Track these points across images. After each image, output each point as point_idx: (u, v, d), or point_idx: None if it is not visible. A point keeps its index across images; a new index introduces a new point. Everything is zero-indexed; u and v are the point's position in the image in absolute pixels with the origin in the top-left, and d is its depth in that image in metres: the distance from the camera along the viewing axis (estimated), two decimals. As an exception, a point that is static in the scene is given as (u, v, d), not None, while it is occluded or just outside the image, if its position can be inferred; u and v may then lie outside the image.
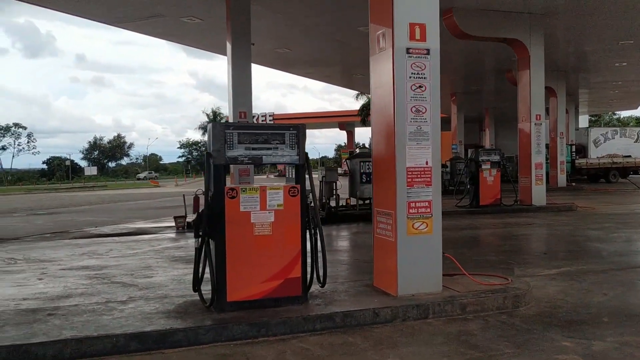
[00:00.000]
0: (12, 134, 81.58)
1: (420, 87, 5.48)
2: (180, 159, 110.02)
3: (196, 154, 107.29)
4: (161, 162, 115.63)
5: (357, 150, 15.58)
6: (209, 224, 4.98)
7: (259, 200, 5.05)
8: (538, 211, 15.14)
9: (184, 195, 13.74)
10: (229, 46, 13.52)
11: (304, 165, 5.21)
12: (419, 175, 5.45)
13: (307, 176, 5.19)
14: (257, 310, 4.94)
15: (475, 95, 31.94)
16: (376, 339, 4.66)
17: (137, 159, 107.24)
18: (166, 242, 10.94)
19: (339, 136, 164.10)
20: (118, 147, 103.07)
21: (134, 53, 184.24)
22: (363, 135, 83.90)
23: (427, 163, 5.48)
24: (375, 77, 5.84)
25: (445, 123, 37.53)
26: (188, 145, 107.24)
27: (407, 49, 5.45)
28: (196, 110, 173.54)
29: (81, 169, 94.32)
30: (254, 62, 22.79)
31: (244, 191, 5.02)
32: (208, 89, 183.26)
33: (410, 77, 5.44)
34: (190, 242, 10.87)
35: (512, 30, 15.37)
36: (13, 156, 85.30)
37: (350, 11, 15.03)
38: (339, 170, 58.81)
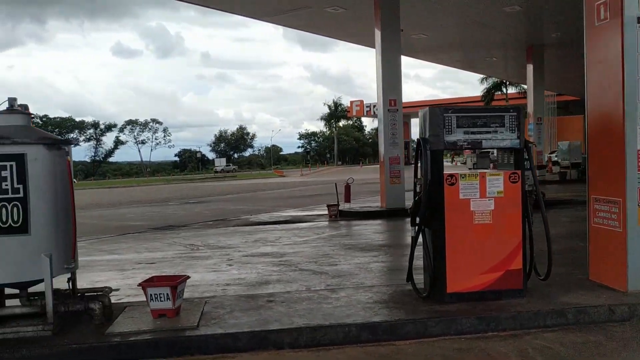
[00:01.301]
0: (150, 129, 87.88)
1: (654, 60, 4.90)
2: (299, 150, 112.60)
3: (315, 144, 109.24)
4: (281, 153, 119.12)
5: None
6: (428, 212, 4.80)
7: (478, 187, 4.79)
8: None
9: (335, 183, 13.87)
10: (377, 33, 13.35)
11: (523, 149, 4.87)
12: (652, 159, 4.90)
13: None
14: (478, 303, 4.70)
15: None
16: (621, 338, 4.24)
17: (259, 150, 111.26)
18: (328, 229, 11.05)
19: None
20: (241, 138, 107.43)
21: (253, 49, 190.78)
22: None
23: (662, 145, 4.91)
24: (595, 51, 5.33)
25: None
26: (307, 136, 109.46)
27: (639, 18, 4.90)
28: (311, 102, 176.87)
29: (209, 161, 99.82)
30: (368, 46, 22.78)
31: (463, 178, 4.79)
32: (322, 81, 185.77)
33: (643, 49, 4.89)
34: (355, 229, 10.92)
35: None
36: (151, 149, 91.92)
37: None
38: (461, 159, 56.18)
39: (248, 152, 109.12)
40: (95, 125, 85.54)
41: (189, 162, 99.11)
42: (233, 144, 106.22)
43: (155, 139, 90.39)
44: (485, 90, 44.70)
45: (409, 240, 9.40)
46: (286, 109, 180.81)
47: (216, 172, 74.16)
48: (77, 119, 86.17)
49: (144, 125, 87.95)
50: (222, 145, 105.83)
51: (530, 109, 22.56)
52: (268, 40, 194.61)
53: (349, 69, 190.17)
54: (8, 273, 4.18)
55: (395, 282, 5.87)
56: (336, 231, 10.79)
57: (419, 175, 5.11)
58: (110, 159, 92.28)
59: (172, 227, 12.39)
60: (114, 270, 7.32)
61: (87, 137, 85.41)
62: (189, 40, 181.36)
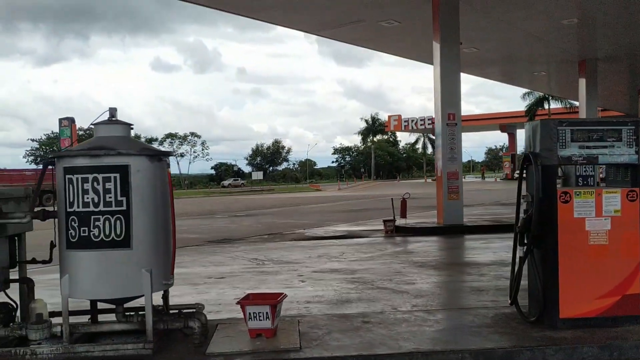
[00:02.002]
0: (189, 142, 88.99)
1: None
2: (332, 164, 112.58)
3: (349, 158, 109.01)
4: (315, 167, 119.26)
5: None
6: (540, 231, 4.51)
7: (594, 205, 4.49)
8: None
9: (392, 198, 13.59)
10: (436, 47, 13.12)
11: (640, 165, 4.56)
12: None
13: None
14: (596, 330, 4.38)
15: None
16: None
17: (293, 164, 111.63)
18: (389, 245, 10.78)
19: (484, 139, 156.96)
20: (277, 152, 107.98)
21: (288, 65, 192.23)
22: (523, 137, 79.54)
23: None
24: None
25: None
26: (341, 151, 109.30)
27: None
28: (344, 116, 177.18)
29: (244, 174, 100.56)
30: (428, 63, 22.52)
31: (577, 195, 4.49)
32: (355, 96, 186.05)
33: None
34: (417, 245, 10.62)
35: None
36: (189, 162, 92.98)
37: (553, 4, 13.99)
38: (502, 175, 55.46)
39: (283, 166, 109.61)
40: (136, 138, 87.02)
41: (225, 175, 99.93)
42: (269, 157, 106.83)
43: (194, 152, 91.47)
44: (528, 106, 43.92)
45: (479, 258, 9.17)
46: (319, 124, 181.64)
47: (223, 186, 74.19)
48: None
49: (183, 138, 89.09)
50: (259, 158, 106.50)
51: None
52: (302, 56, 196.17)
53: (383, 84, 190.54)
54: (110, 288, 4.05)
55: (487, 303, 5.58)
56: (398, 247, 10.51)
57: (524, 192, 4.83)
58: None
59: (228, 241, 12.29)
60: (185, 285, 7.19)
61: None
62: (226, 55, 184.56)
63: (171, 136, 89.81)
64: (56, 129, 55.16)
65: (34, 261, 4.54)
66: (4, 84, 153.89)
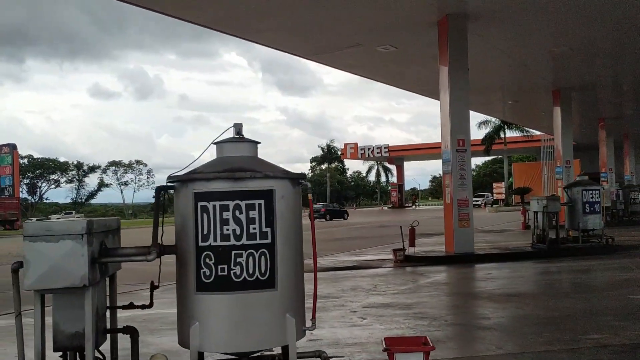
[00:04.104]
0: (134, 170, 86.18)
1: None
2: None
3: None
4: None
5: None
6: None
7: None
8: None
9: (401, 227, 13.16)
10: (444, 71, 12.95)
11: None
12: None
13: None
14: None
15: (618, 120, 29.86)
16: None
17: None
18: (415, 276, 10.31)
19: (426, 166, 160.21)
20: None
21: (231, 92, 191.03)
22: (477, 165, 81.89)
23: None
24: None
25: (594, 149, 35.32)
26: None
27: None
28: (288, 145, 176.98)
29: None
30: (406, 89, 22.57)
31: None
32: (298, 125, 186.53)
33: None
34: (445, 275, 10.21)
35: None
36: (134, 191, 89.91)
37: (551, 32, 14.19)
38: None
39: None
40: (78, 166, 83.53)
41: (170, 205, 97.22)
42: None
43: (139, 180, 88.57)
44: (486, 135, 44.97)
45: (523, 288, 8.83)
46: (263, 152, 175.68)
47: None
48: (61, 160, 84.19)
49: (128, 166, 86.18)
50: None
51: (558, 152, 22.37)
52: (246, 84, 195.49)
53: (325, 113, 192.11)
54: (249, 339, 3.36)
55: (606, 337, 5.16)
56: (427, 278, 10.03)
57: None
58: (92, 201, 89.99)
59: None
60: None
61: (69, 178, 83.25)
62: (168, 82, 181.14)
63: (115, 164, 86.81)
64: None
65: (131, 306, 3.79)
66: None
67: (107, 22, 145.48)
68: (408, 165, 65.95)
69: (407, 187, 70.57)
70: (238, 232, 3.32)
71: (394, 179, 68.67)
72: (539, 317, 6.59)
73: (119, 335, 3.79)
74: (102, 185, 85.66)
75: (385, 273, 10.91)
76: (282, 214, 3.43)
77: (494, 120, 43.37)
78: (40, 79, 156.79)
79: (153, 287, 3.77)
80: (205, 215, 3.33)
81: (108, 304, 3.78)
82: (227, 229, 3.31)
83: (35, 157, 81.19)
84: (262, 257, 3.35)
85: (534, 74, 19.54)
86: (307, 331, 3.65)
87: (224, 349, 3.39)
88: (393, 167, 68.19)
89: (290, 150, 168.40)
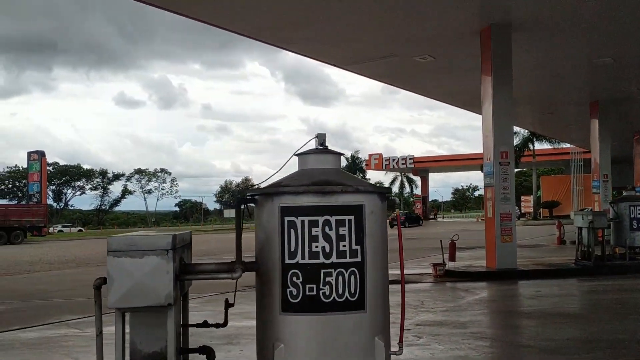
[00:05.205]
0: (158, 179, 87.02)
1: None
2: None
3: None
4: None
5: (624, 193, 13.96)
6: None
7: None
8: None
9: (441, 240, 12.86)
10: (486, 82, 12.68)
11: None
12: None
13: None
14: None
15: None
16: None
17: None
18: (460, 292, 9.99)
19: (448, 178, 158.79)
20: (246, 190, 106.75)
21: (252, 102, 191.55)
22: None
23: None
24: None
25: (622, 162, 34.53)
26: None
27: None
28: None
29: (208, 212, 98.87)
30: (440, 100, 22.29)
31: None
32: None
33: None
34: (491, 292, 9.89)
35: None
36: (157, 199, 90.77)
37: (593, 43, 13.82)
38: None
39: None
40: (102, 173, 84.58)
41: (193, 213, 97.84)
42: (237, 195, 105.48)
43: (162, 188, 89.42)
44: (516, 146, 44.30)
45: (580, 307, 8.46)
46: (283, 162, 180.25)
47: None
48: (86, 167, 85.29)
49: (152, 174, 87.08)
50: (227, 196, 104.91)
51: (596, 166, 21.86)
52: (268, 94, 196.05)
53: (346, 124, 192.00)
54: (339, 363, 3.13)
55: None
56: (474, 295, 9.71)
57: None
58: (116, 208, 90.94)
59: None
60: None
61: (94, 185, 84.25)
62: (192, 92, 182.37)
63: (140, 172, 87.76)
64: (10, 163, 53.00)
65: (205, 324, 3.60)
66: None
67: (134, 33, 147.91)
68: (431, 177, 65.33)
69: (430, 198, 69.96)
70: (327, 249, 3.11)
71: (417, 191, 68.11)
72: (606, 340, 6.26)
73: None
74: (126, 192, 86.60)
75: (428, 288, 10.61)
76: (371, 230, 3.23)
77: (523, 132, 42.74)
78: (67, 87, 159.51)
79: (228, 305, 3.57)
80: (292, 231, 3.14)
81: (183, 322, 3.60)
82: (316, 246, 3.11)
83: (61, 164, 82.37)
84: (352, 277, 3.14)
85: (570, 86, 19.15)
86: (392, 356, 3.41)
87: (311, 374, 3.17)
88: (417, 179, 67.67)
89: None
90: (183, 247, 3.36)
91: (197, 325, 3.58)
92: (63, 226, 66.61)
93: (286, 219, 3.16)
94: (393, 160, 60.31)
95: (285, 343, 3.12)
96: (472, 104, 20.19)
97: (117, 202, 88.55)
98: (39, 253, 26.32)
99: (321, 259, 3.11)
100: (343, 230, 3.14)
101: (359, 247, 3.17)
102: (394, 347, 3.47)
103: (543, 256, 15.47)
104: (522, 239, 25.23)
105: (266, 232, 3.25)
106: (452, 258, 12.77)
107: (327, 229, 3.12)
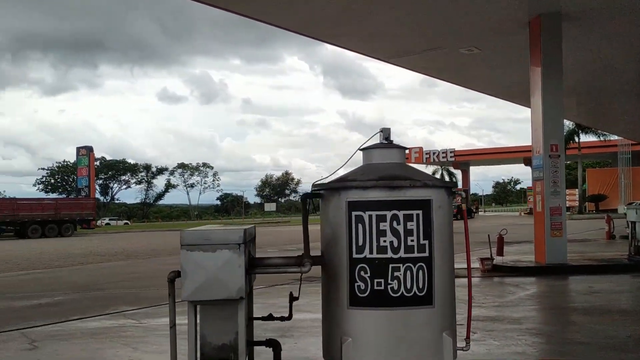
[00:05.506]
0: (200, 173, 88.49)
1: None
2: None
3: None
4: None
5: None
6: None
7: None
8: None
9: (488, 235, 12.68)
10: (536, 73, 12.38)
11: None
12: None
13: None
14: None
15: None
16: None
17: (297, 196, 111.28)
18: (510, 287, 9.82)
19: (488, 172, 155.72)
20: (286, 183, 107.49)
21: (291, 96, 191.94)
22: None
23: None
24: None
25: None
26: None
27: None
28: (347, 148, 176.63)
29: (249, 205, 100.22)
30: (484, 92, 21.91)
31: None
32: (357, 129, 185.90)
33: None
34: (542, 288, 9.71)
35: None
36: (200, 193, 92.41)
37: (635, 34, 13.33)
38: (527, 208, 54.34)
39: (293, 197, 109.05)
40: (147, 168, 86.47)
41: (234, 207, 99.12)
42: (278, 189, 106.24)
43: (204, 182, 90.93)
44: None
45: (634, 302, 8.27)
46: (321, 155, 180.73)
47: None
48: (131, 162, 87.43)
49: (195, 168, 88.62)
50: (267, 190, 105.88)
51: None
52: (306, 88, 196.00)
53: (384, 117, 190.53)
54: (405, 358, 3.13)
55: None
56: (524, 291, 9.53)
57: None
58: (160, 202, 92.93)
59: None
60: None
61: (139, 179, 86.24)
62: (232, 87, 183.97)
63: (183, 166, 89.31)
64: (59, 158, 54.85)
65: (270, 318, 3.64)
66: (10, 114, 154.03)
67: (176, 30, 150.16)
68: (471, 170, 64.37)
69: (470, 192, 69.04)
70: (395, 244, 3.11)
71: (458, 184, 67.30)
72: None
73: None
74: (169, 186, 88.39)
75: (477, 283, 10.47)
76: (438, 225, 3.21)
77: (568, 124, 41.65)
78: (112, 84, 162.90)
79: (292, 299, 3.61)
80: (360, 226, 3.15)
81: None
82: (384, 241, 3.11)
83: (107, 159, 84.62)
84: (420, 272, 3.14)
85: (622, 76, 18.56)
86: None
87: (379, 368, 3.18)
88: (457, 172, 66.83)
89: (348, 154, 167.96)
90: (251, 241, 3.40)
91: (263, 319, 3.62)
92: (110, 219, 68.51)
93: (354, 213, 3.17)
94: (434, 153, 59.69)
95: (353, 337, 3.14)
96: (519, 97, 19.84)
97: (160, 195, 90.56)
98: (89, 245, 27.13)
99: (389, 254, 3.11)
100: (411, 225, 3.13)
101: (426, 242, 3.16)
102: (460, 343, 3.45)
103: (593, 251, 15.08)
104: (569, 233, 24.61)
105: (333, 226, 3.27)
106: (500, 252, 12.60)
107: (394, 223, 3.12)
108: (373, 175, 3.26)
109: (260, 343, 3.53)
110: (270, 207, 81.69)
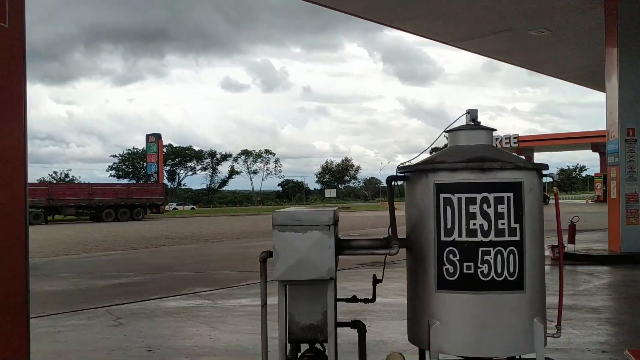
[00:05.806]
0: (263, 159, 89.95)
1: None
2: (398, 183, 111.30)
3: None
4: (380, 185, 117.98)
5: None
6: None
7: None
8: None
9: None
10: (612, 53, 11.85)
11: None
12: None
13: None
14: None
15: None
16: None
17: (359, 182, 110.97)
18: (583, 275, 9.54)
19: (551, 158, 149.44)
20: (346, 170, 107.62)
21: (350, 83, 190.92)
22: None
23: None
24: None
25: None
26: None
27: None
28: (406, 135, 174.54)
29: (309, 191, 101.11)
30: (552, 75, 21.12)
31: None
32: (416, 115, 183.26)
33: None
34: (618, 277, 9.35)
35: None
36: (262, 179, 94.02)
37: None
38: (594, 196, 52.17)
39: (353, 184, 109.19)
40: (212, 155, 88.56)
41: (295, 193, 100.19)
42: (337, 175, 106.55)
43: (267, 169, 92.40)
44: None
45: None
46: (380, 142, 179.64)
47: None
48: (196, 149, 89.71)
49: (258, 155, 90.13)
50: (327, 176, 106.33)
51: None
52: (365, 75, 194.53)
53: (444, 103, 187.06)
54: (496, 343, 3.10)
55: None
56: (599, 280, 9.26)
57: None
58: (224, 188, 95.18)
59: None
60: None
61: (204, 166, 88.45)
62: (292, 75, 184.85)
63: (246, 153, 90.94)
64: (129, 145, 57.01)
65: (354, 299, 3.68)
66: (84, 103, 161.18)
67: (238, 19, 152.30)
68: (535, 157, 62.36)
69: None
70: (485, 227, 3.07)
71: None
72: None
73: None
74: (232, 173, 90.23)
75: (548, 271, 10.15)
76: (529, 208, 3.15)
77: None
78: (178, 73, 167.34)
79: (376, 281, 3.64)
80: (448, 208, 3.12)
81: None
82: (474, 224, 3.08)
83: (173, 146, 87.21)
84: (511, 256, 3.09)
85: None
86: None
87: (468, 353, 3.15)
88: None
89: (408, 141, 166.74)
90: (337, 223, 3.45)
91: (347, 300, 3.67)
92: (177, 204, 70.74)
93: (442, 196, 3.15)
94: (497, 139, 58.13)
95: (441, 320, 3.13)
96: (590, 79, 19.07)
97: (225, 181, 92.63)
98: (159, 229, 28.15)
99: (479, 237, 3.08)
100: (502, 208, 3.08)
101: (517, 226, 3.10)
102: (551, 330, 3.39)
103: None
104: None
105: (420, 209, 3.26)
106: (572, 240, 12.20)
107: (485, 206, 3.08)
108: (461, 157, 3.23)
109: (345, 324, 3.57)
110: (330, 193, 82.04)
